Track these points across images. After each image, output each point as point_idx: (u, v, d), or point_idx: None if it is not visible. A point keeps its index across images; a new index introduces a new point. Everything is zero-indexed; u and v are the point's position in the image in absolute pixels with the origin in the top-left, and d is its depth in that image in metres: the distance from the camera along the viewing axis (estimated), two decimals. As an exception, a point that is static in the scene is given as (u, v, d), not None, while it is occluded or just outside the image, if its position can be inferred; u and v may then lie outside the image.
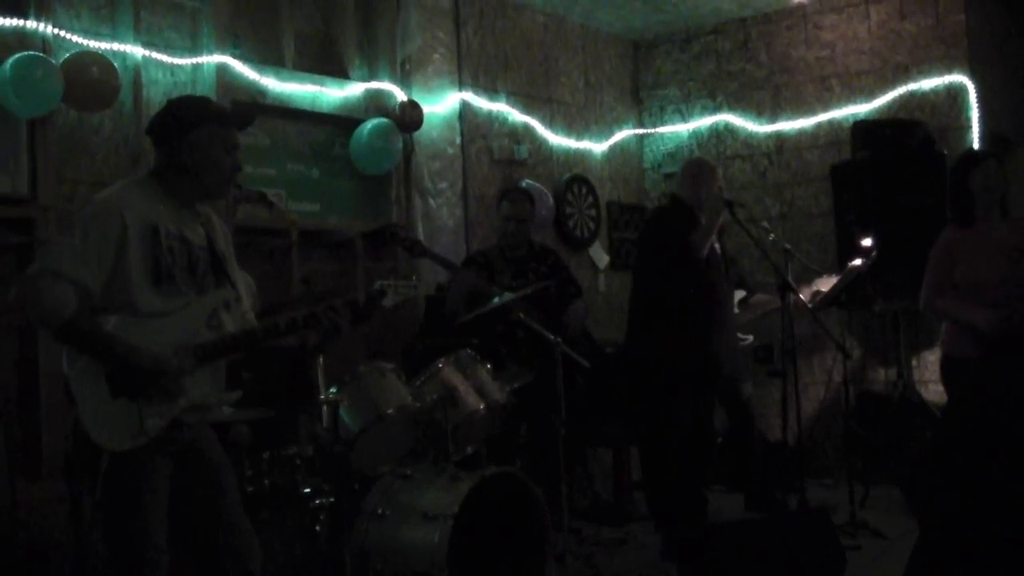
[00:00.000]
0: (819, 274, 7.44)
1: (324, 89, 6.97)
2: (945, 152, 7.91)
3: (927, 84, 8.32)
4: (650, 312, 6.30)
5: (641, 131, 9.73)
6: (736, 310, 7.22)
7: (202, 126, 3.81)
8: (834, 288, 7.21)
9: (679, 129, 9.55)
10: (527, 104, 8.53)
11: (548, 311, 6.48)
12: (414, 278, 4.37)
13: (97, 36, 5.80)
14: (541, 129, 8.61)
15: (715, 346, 6.29)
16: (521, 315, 6.01)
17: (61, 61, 5.53)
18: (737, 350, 7.08)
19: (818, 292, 7.17)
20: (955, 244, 5.67)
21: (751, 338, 7.65)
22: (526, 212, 6.91)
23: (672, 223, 6.35)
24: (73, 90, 5.51)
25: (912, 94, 8.37)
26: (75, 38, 5.69)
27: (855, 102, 8.61)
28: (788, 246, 6.96)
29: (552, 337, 5.89)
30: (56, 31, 5.61)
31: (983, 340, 5.41)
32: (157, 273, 3.72)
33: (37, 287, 3.60)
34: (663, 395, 6.22)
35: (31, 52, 5.40)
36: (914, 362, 8.16)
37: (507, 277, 6.66)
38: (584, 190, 8.92)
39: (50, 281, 3.59)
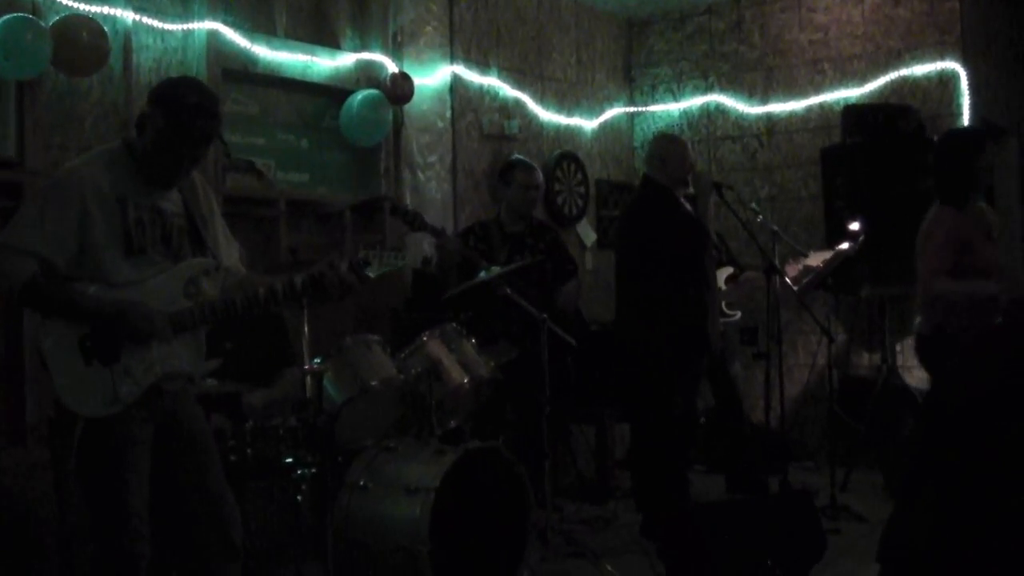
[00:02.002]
0: (806, 255, 7.44)
1: (315, 59, 6.92)
2: (935, 138, 7.91)
3: (919, 70, 8.32)
4: (643, 294, 6.27)
5: (632, 109, 9.71)
6: (723, 287, 7.23)
7: (158, 122, 3.74)
8: (821, 271, 7.21)
9: (670, 108, 9.55)
10: (518, 79, 8.50)
11: (541, 288, 6.48)
12: (403, 250, 4.32)
13: (87, -1, 5.75)
14: (532, 105, 8.59)
15: (708, 326, 6.30)
16: (507, 291, 6.00)
17: (51, 23, 5.48)
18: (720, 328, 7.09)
19: (808, 267, 7.16)
20: (961, 227, 5.53)
21: (739, 314, 7.66)
22: (539, 180, 7.04)
23: (656, 205, 6.33)
24: (62, 53, 5.46)
25: (904, 79, 8.38)
26: (65, 0, 5.64)
27: (847, 86, 8.61)
28: (776, 228, 6.96)
29: (538, 314, 5.88)
30: (46, -7, 5.57)
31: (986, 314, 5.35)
32: (128, 246, 3.72)
33: None
34: (658, 376, 6.21)
35: (20, 14, 5.35)
36: (898, 347, 8.17)
37: (503, 252, 6.66)
38: (573, 167, 8.91)
39: (6, 255, 3.60)
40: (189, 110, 3.74)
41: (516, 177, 6.95)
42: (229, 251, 4.11)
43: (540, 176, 7.10)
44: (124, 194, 3.73)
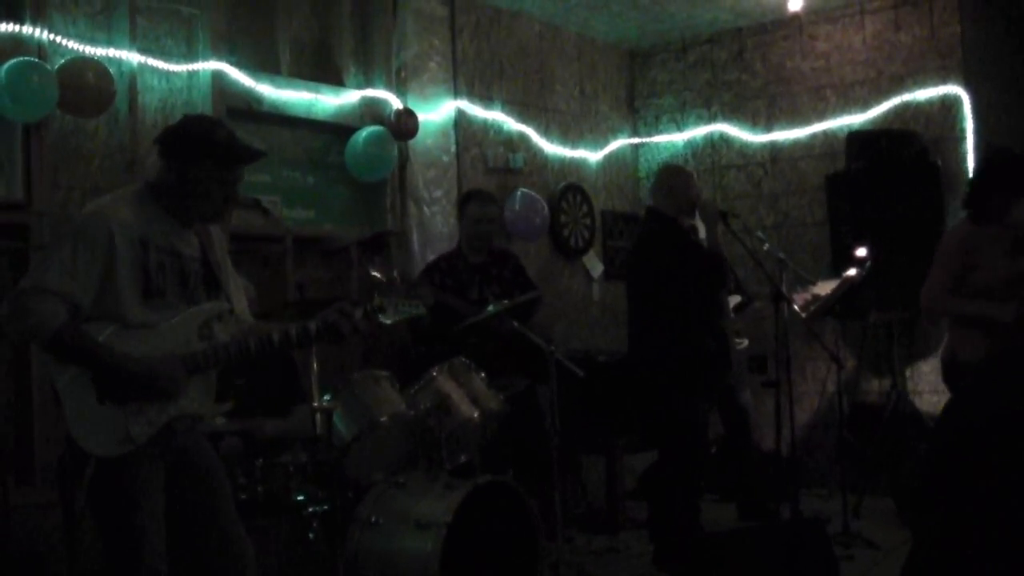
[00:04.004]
0: (813, 283, 7.43)
1: (320, 96, 6.97)
2: (939, 163, 7.93)
3: (922, 95, 8.33)
4: (660, 323, 6.24)
5: (636, 140, 9.74)
6: (732, 315, 7.23)
7: (198, 161, 3.79)
8: (828, 298, 7.20)
9: (674, 138, 9.56)
10: (522, 113, 8.53)
11: (519, 319, 6.39)
12: (418, 299, 4.32)
13: (93, 42, 5.79)
14: (536, 138, 8.62)
15: (727, 354, 6.31)
16: (515, 324, 6.00)
17: (57, 67, 5.53)
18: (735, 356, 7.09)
19: (816, 296, 7.15)
20: (976, 243, 5.42)
21: (746, 342, 7.66)
22: (495, 213, 6.92)
23: (666, 235, 6.33)
24: (68, 96, 5.51)
25: (907, 105, 8.39)
26: (71, 44, 5.68)
27: (850, 112, 8.63)
28: (782, 255, 6.96)
29: (546, 346, 5.88)
30: (52, 36, 5.61)
31: (992, 341, 5.27)
32: (147, 288, 3.73)
33: (26, 303, 3.61)
34: (679, 404, 6.18)
35: (27, 58, 5.41)
36: (908, 372, 8.17)
37: (474, 286, 6.59)
38: (579, 199, 8.93)
39: (38, 297, 3.60)
40: (221, 150, 3.82)
41: (469, 210, 6.80)
42: (239, 297, 4.13)
43: (494, 208, 6.92)
44: (147, 236, 3.75)
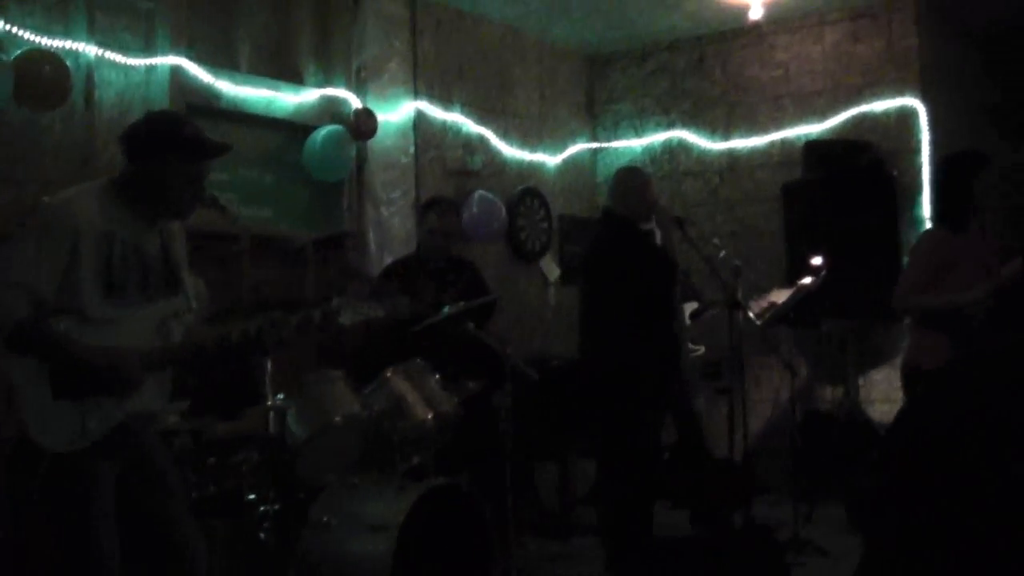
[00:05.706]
0: (768, 291, 7.47)
1: (278, 94, 6.93)
2: (895, 174, 8.00)
3: (879, 106, 8.40)
4: (612, 327, 6.25)
5: (595, 145, 9.76)
6: (688, 322, 7.25)
7: (165, 156, 3.77)
8: (783, 306, 7.24)
9: (632, 144, 9.59)
10: (481, 115, 8.53)
11: (472, 321, 6.35)
12: (378, 303, 4.31)
13: (50, 34, 5.72)
14: (495, 140, 8.61)
15: (678, 358, 6.31)
16: (471, 327, 5.98)
17: (12, 57, 5.46)
18: (689, 362, 7.10)
19: (772, 304, 7.19)
20: (951, 248, 5.42)
21: (702, 349, 7.68)
22: (454, 226, 6.76)
23: (621, 238, 6.33)
24: (24, 88, 5.44)
25: (864, 116, 8.46)
26: (27, 35, 5.61)
27: (807, 122, 8.69)
28: (738, 263, 6.98)
29: (501, 349, 5.87)
30: (8, 27, 5.54)
31: (956, 346, 5.23)
32: (108, 283, 3.71)
33: None
34: (628, 409, 6.19)
35: (-18, 48, 5.34)
36: (860, 381, 8.22)
37: (430, 290, 6.53)
38: (537, 203, 8.93)
39: (0, 289, 3.55)
40: (188, 145, 3.82)
41: (427, 218, 6.66)
42: (194, 296, 4.11)
43: (453, 221, 6.76)
44: (112, 231, 3.73)
